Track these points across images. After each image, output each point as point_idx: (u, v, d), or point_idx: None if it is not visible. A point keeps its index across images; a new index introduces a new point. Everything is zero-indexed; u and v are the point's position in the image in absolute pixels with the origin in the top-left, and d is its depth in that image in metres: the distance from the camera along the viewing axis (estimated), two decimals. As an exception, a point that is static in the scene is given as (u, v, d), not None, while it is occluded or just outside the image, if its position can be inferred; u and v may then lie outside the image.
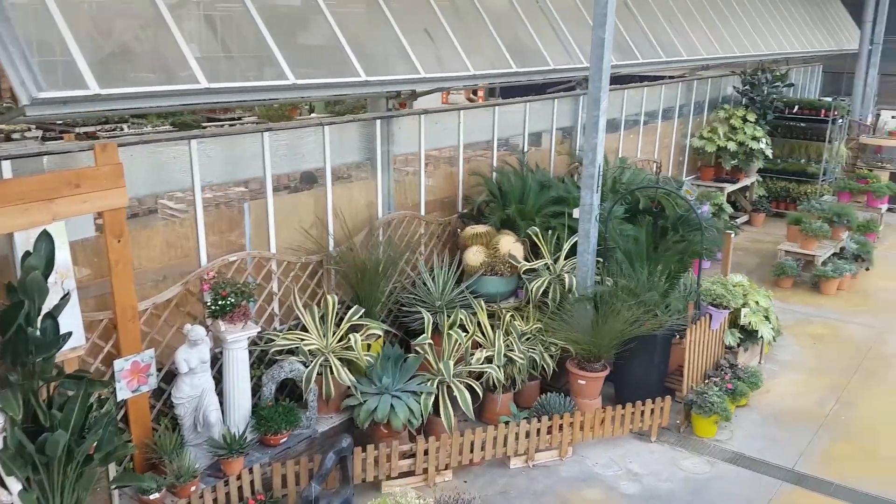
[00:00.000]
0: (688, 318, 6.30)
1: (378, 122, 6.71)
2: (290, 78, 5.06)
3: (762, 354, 7.63)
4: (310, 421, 5.66)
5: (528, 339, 6.53)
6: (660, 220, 7.97)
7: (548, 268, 6.88)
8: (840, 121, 13.28)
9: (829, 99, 16.09)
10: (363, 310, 6.10)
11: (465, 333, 6.22)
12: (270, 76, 5.06)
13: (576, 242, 6.81)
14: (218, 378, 5.37)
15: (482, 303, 6.63)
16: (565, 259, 6.96)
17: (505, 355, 6.21)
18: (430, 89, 6.48)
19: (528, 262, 6.91)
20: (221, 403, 5.32)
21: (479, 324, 6.50)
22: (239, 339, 5.24)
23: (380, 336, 6.06)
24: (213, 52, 5.06)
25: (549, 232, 7.15)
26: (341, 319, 6.03)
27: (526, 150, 8.50)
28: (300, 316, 5.94)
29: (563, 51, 7.66)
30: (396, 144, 7.02)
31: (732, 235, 7.37)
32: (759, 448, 6.17)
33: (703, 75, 12.45)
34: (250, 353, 5.47)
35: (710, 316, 6.63)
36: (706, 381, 6.60)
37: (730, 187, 12.25)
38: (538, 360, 6.35)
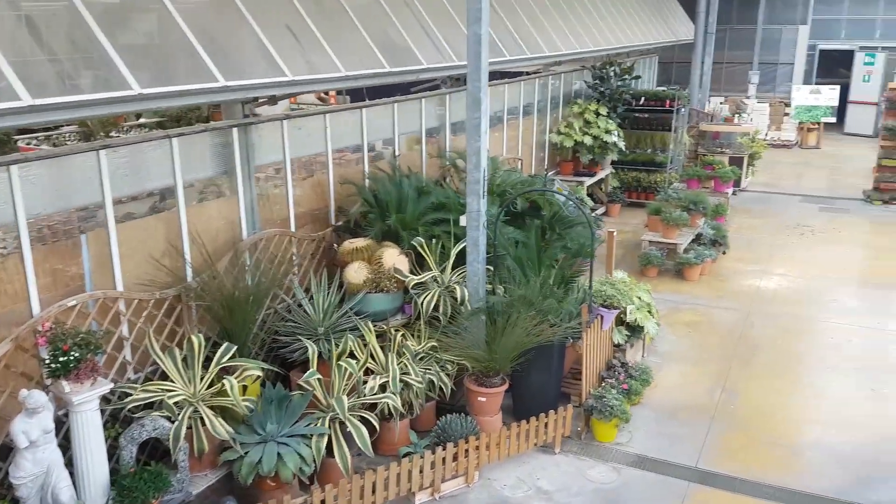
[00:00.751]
0: (583, 322, 6.10)
1: (235, 130, 5.96)
2: (133, 87, 4.24)
3: (644, 348, 7.65)
4: (182, 483, 4.88)
5: (422, 358, 6.07)
6: (536, 220, 7.81)
7: (436, 280, 6.45)
8: (682, 110, 13.91)
9: (673, 89, 16.94)
10: (235, 347, 5.36)
11: (355, 361, 5.64)
12: (109, 86, 4.22)
13: (462, 250, 6.43)
14: (66, 445, 4.48)
15: (370, 324, 6.08)
16: (453, 269, 6.57)
17: (401, 380, 5.71)
18: (297, 92, 5.82)
19: (415, 274, 6.44)
20: (73, 477, 4.43)
21: (368, 347, 5.95)
22: (88, 399, 4.38)
23: (259, 376, 5.35)
24: (32, 58, 4.14)
25: (433, 241, 6.72)
26: (209, 360, 5.26)
27: (398, 153, 8.01)
28: (159, 362, 5.11)
29: (434, 49, 7.24)
30: (258, 154, 6.29)
31: (615, 233, 7.32)
32: (659, 448, 6.10)
33: (557, 71, 12.54)
34: (102, 412, 4.60)
35: (602, 317, 6.49)
36: (602, 383, 6.46)
37: (588, 180, 12.44)
38: (436, 382, 5.91)
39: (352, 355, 5.77)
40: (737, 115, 15.87)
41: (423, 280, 6.40)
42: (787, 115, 20.90)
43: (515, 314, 5.73)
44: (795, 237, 11.88)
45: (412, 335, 6.30)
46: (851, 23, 22.13)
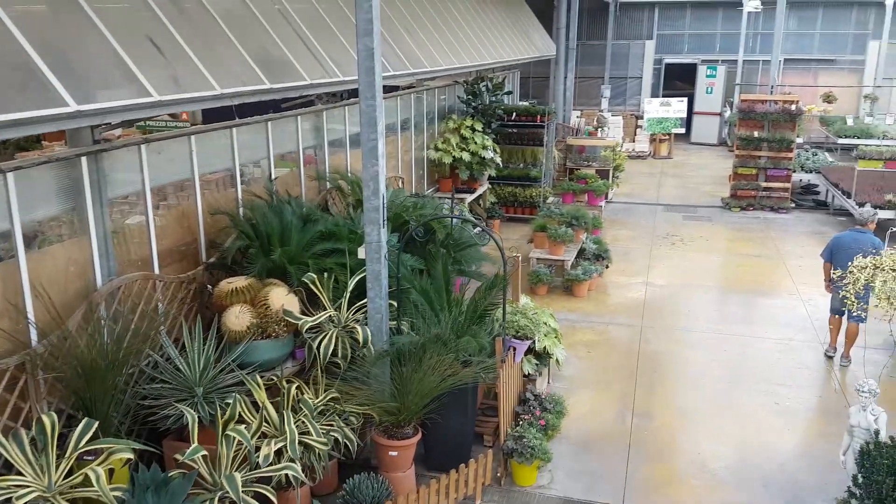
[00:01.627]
0: (497, 357, 5.61)
1: (84, 159, 4.96)
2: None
3: (550, 374, 7.31)
4: None
5: (322, 412, 5.32)
6: (429, 245, 7.28)
7: (332, 320, 5.72)
8: (551, 125, 13.95)
9: (537, 104, 17.06)
10: (96, 423, 4.38)
11: (246, 427, 4.81)
12: None
13: (360, 283, 5.76)
14: None
15: (258, 378, 5.25)
16: (350, 305, 5.87)
17: (300, 442, 4.94)
18: (164, 113, 4.91)
19: (308, 315, 5.68)
20: None
21: (258, 405, 5.12)
22: None
23: (130, 459, 4.39)
24: None
25: (325, 275, 5.99)
26: (65, 440, 4.25)
27: (273, 176, 7.20)
28: (1, 450, 4.06)
29: (316, 64, 6.53)
30: (112, 185, 5.31)
31: (519, 258, 6.92)
32: (583, 488, 5.72)
33: (431, 86, 12.13)
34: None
35: (514, 349, 6.04)
36: (518, 421, 6.00)
37: (469, 197, 12.12)
38: (340, 439, 5.18)
39: (241, 419, 4.93)
40: (599, 129, 16.24)
41: (317, 321, 5.65)
42: (639, 127, 21.83)
43: (429, 357, 5.13)
44: (668, 247, 12.14)
45: (309, 385, 5.54)
46: (693, 37, 23.53)
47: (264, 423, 5.03)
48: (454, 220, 7.29)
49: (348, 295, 5.87)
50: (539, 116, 13.40)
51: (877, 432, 4.80)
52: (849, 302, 5.20)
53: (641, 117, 21.54)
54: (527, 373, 6.56)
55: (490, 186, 13.51)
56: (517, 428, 5.76)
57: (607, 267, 10.61)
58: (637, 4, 23.56)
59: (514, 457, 5.59)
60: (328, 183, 7.90)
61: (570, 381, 7.41)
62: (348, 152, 8.67)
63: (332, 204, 7.86)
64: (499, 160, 12.49)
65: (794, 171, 14.66)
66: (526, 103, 17.02)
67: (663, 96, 22.93)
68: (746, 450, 6.23)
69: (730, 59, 22.70)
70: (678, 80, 23.75)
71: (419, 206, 7.88)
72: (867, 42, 21.85)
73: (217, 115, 7.30)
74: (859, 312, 7.13)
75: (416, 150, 11.60)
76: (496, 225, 13.16)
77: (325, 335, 5.54)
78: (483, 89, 12.78)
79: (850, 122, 19.86)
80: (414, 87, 11.73)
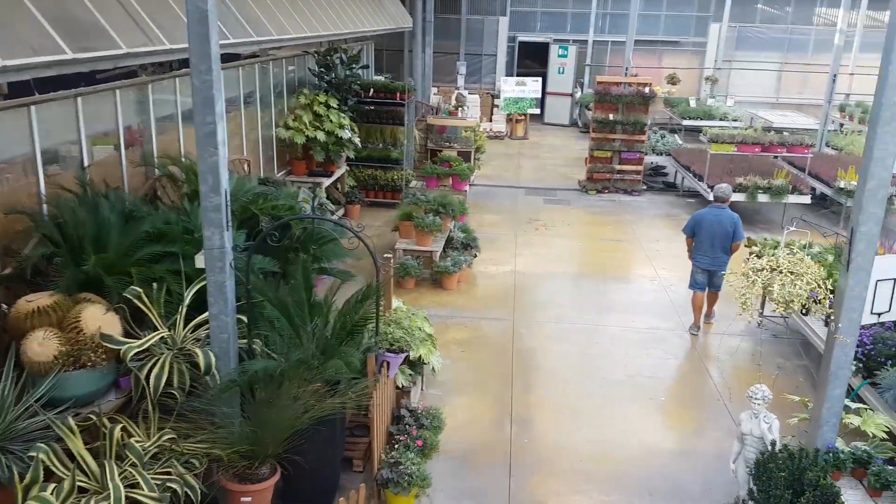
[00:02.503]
0: (370, 377, 4.88)
1: None
2: None
3: (424, 382, 6.69)
4: None
5: (154, 456, 4.35)
6: (285, 241, 6.39)
7: (165, 342, 4.73)
8: (411, 103, 13.27)
9: (390, 78, 16.27)
10: None
11: (56, 487, 3.78)
12: None
13: (199, 293, 4.81)
14: None
15: (70, 420, 4.19)
16: (188, 321, 4.90)
17: (128, 498, 3.97)
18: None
19: (134, 337, 4.65)
20: None
21: (72, 455, 4.09)
22: None
23: None
24: None
25: (155, 285, 4.96)
26: None
27: (87, 163, 5.98)
28: None
29: (136, 29, 5.37)
30: None
31: (392, 262, 6.16)
32: (466, 512, 5.17)
33: (278, 55, 11.02)
34: None
35: (388, 364, 5.34)
36: (392, 442, 5.32)
37: (326, 181, 11.20)
38: (180, 490, 4.25)
39: (50, 475, 3.88)
40: (460, 109, 15.74)
41: (146, 345, 4.64)
42: (496, 106, 21.65)
43: (289, 385, 4.31)
44: (532, 233, 11.88)
45: (138, 423, 4.54)
46: (546, 16, 23.61)
47: (81, 478, 4.01)
48: (317, 217, 6.41)
49: (185, 309, 4.89)
50: (399, 93, 12.65)
51: (773, 443, 4.58)
52: (743, 306, 4.96)
53: (497, 96, 21.35)
54: (401, 385, 5.89)
55: (349, 169, 12.64)
56: (392, 452, 5.08)
57: (476, 256, 10.13)
58: (492, -22, 23.31)
59: (390, 487, 4.92)
60: (157, 169, 6.75)
61: (445, 387, 6.84)
62: (181, 131, 7.51)
63: (164, 194, 6.73)
64: (357, 141, 11.64)
65: (647, 154, 14.93)
66: (383, 78, 16.20)
67: (518, 75, 22.90)
68: (628, 454, 5.95)
69: (580, 39, 23.00)
70: (531, 59, 23.82)
71: (270, 196, 6.95)
72: (709, 24, 22.89)
73: (14, 90, 5.95)
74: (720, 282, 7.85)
75: (263, 127, 10.49)
76: (356, 210, 12.32)
77: (156, 362, 4.54)
78: (337, 62, 11.84)
79: (693, 103, 20.73)
80: (258, 56, 10.57)
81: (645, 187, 14.86)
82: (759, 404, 4.68)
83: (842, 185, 11.83)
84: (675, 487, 5.54)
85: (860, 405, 5.07)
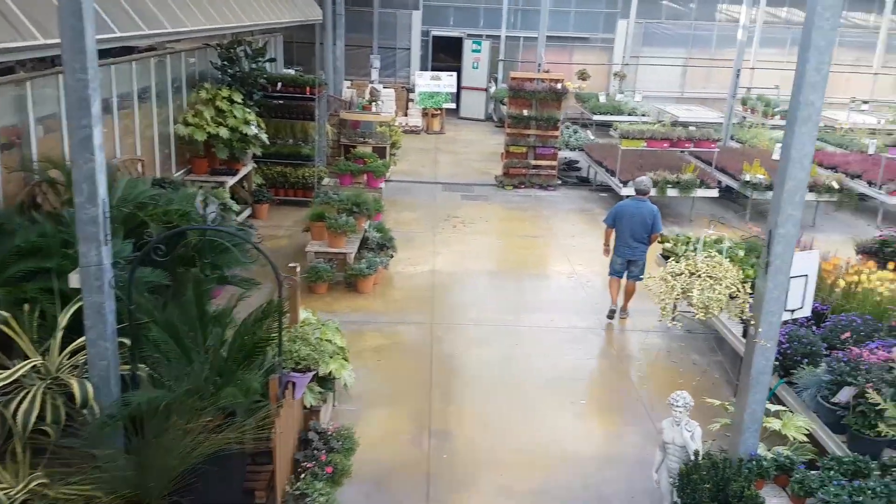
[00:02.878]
0: (272, 402, 4.46)
1: None
2: None
3: (336, 397, 6.31)
4: None
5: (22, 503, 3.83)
6: (179, 249, 5.88)
7: (37, 371, 4.19)
8: (322, 97, 12.77)
9: (300, 72, 15.67)
10: None
11: None
12: None
13: (76, 315, 4.30)
14: None
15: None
16: (63, 348, 4.36)
17: (-14, 561, 3.46)
18: None
19: (1, 368, 4.10)
20: None
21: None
22: None
23: None
24: None
25: (26, 307, 4.40)
26: None
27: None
28: None
29: (2, 22, 4.75)
30: None
31: (297, 268, 5.72)
32: (382, 539, 4.85)
33: (177, 48, 10.33)
34: None
35: (294, 385, 4.93)
36: (299, 471, 4.92)
37: (230, 180, 10.60)
38: (53, 544, 3.75)
39: None
40: (373, 104, 15.32)
41: (14, 376, 4.09)
42: (411, 100, 21.31)
43: (177, 419, 3.86)
44: (450, 230, 11.63)
45: (4, 466, 3.99)
46: (459, 10, 23.39)
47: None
48: (208, 227, 5.93)
49: (61, 333, 4.36)
50: (309, 87, 12.13)
51: (696, 452, 4.46)
52: (662, 311, 4.83)
53: (412, 90, 21.02)
54: (309, 405, 5.49)
55: (256, 166, 12.04)
56: (298, 483, 4.69)
57: (392, 256, 9.78)
58: (403, -29, 22.90)
59: (297, 522, 4.54)
60: (36, 174, 6.10)
61: (360, 400, 6.47)
62: (65, 132, 6.84)
63: (44, 201, 6.09)
64: (264, 137, 11.07)
65: (560, 150, 14.93)
66: (293, 72, 15.59)
67: (432, 69, 22.62)
68: (550, 465, 5.75)
69: (493, 34, 22.92)
70: (445, 53, 23.59)
71: (164, 200, 6.40)
72: (617, 21, 23.22)
73: None
74: (640, 273, 8.19)
75: (160, 124, 9.81)
76: (264, 210, 11.75)
77: (26, 395, 4.01)
78: (241, 55, 11.22)
79: (602, 99, 21.00)
80: (155, 49, 9.87)
81: (560, 182, 14.87)
82: (680, 412, 4.56)
83: (747, 178, 12.12)
84: (599, 498, 5.39)
85: (779, 407, 5.04)
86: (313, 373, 5.12)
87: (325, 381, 5.75)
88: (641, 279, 8.21)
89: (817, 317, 6.07)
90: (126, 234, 5.58)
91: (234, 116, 10.61)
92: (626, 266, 8.32)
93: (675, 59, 23.37)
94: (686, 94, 23.54)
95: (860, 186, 12.55)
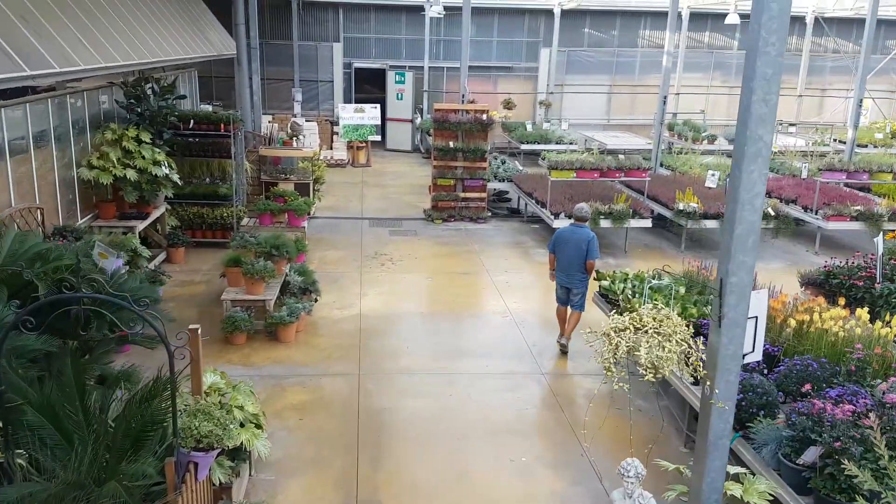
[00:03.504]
0: (169, 489, 3.86)
1: None
2: None
3: (251, 467, 5.70)
4: None
5: None
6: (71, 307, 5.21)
7: None
8: (239, 134, 12.16)
9: (218, 107, 15.04)
10: None
11: None
12: None
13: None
14: None
15: None
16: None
17: None
18: None
19: None
20: None
21: None
22: None
23: None
24: None
25: None
26: None
27: None
28: None
29: None
30: None
31: (198, 329, 5.10)
32: None
33: (78, 87, 9.61)
34: None
35: (196, 465, 4.33)
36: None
37: (140, 224, 9.86)
38: None
39: None
40: (294, 139, 14.76)
41: None
42: (336, 133, 20.83)
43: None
44: (378, 269, 11.15)
45: None
46: (380, 42, 23.13)
47: None
48: (88, 295, 5.27)
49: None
50: (223, 124, 11.51)
51: (651, 525, 4.08)
52: (606, 371, 4.44)
53: (337, 123, 20.54)
54: (218, 482, 4.87)
55: (170, 207, 11.32)
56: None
57: (316, 301, 9.21)
58: (321, 4, 22.48)
59: None
60: None
61: (277, 468, 5.87)
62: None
63: None
64: (176, 178, 10.40)
65: (489, 181, 14.68)
66: (210, 108, 14.90)
67: (356, 101, 22.24)
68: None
69: (416, 65, 22.73)
70: (369, 84, 23.26)
71: (53, 255, 5.70)
72: (539, 50, 23.39)
73: None
74: (580, 301, 8.23)
75: (62, 168, 9.04)
76: (180, 254, 11.02)
77: None
78: (149, 92, 10.54)
79: (529, 127, 21.01)
80: (55, 89, 9.12)
81: (490, 214, 14.61)
82: (632, 483, 4.18)
83: (680, 206, 12.09)
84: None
85: (739, 469, 4.63)
86: (218, 451, 4.52)
87: (238, 452, 5.15)
88: (583, 309, 8.23)
89: (769, 360, 5.79)
90: (11, 294, 4.92)
91: (143, 157, 9.92)
92: (567, 294, 8.25)
93: (599, 86, 23.68)
94: (612, 121, 23.86)
95: (795, 212, 12.70)
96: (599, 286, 8.08)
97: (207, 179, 12.15)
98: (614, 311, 4.58)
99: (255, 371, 7.48)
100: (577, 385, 7.62)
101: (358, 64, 22.97)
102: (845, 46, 23.98)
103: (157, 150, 10.19)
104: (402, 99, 22.10)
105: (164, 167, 10.25)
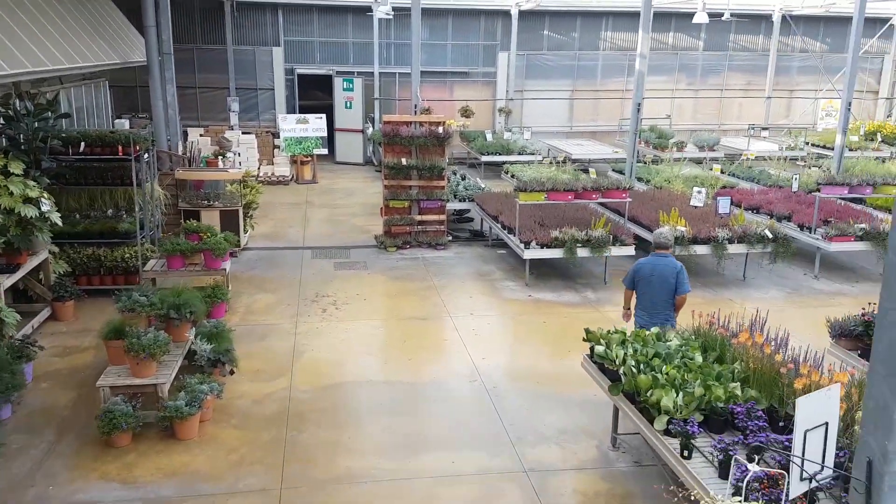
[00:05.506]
0: None
1: None
2: None
3: None
4: None
5: None
6: None
7: None
8: (147, 155, 10.10)
9: (126, 120, 12.94)
10: None
11: None
12: None
13: None
14: None
15: None
16: None
17: None
18: None
19: None
20: None
21: None
22: None
23: None
24: None
25: None
26: None
27: None
28: None
29: None
30: None
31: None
32: None
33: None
34: None
35: None
36: None
37: (6, 280, 7.77)
38: None
39: None
40: (222, 157, 12.74)
41: None
42: (277, 147, 18.81)
43: None
44: (318, 316, 9.23)
45: None
46: (325, 46, 21.12)
47: None
48: None
49: None
50: (122, 146, 9.45)
51: None
52: None
53: (279, 135, 18.51)
54: None
55: (58, 251, 9.23)
56: None
57: (232, 373, 7.25)
58: (258, 5, 20.39)
59: None
60: None
61: None
62: None
63: None
64: (56, 217, 8.32)
65: (448, 201, 12.86)
66: (125, 123, 12.75)
67: (301, 109, 20.23)
68: None
69: (366, 70, 20.82)
70: (315, 91, 21.28)
71: None
72: (497, 53, 21.66)
73: None
74: None
75: None
76: (69, 308, 8.92)
77: None
78: (22, 112, 8.46)
79: (489, 137, 19.29)
80: None
81: (450, 238, 12.81)
82: None
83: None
84: None
85: None
86: None
87: None
88: None
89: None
90: None
91: (10, 194, 7.84)
92: None
93: (560, 91, 22.07)
94: (575, 128, 22.26)
95: (790, 230, 11.12)
96: (592, 351, 6.29)
97: (110, 212, 10.11)
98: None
99: (136, 492, 5.49)
100: (570, 487, 5.80)
101: (301, 70, 20.94)
102: (813, 45, 22.80)
103: (32, 183, 8.13)
104: (351, 107, 20.17)
105: (45, 203, 8.20)
